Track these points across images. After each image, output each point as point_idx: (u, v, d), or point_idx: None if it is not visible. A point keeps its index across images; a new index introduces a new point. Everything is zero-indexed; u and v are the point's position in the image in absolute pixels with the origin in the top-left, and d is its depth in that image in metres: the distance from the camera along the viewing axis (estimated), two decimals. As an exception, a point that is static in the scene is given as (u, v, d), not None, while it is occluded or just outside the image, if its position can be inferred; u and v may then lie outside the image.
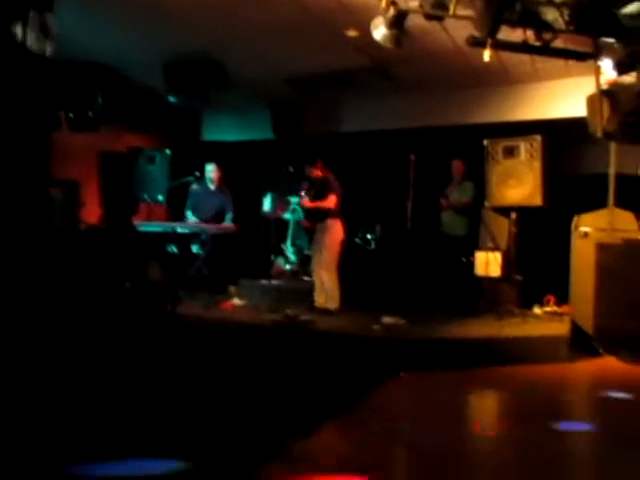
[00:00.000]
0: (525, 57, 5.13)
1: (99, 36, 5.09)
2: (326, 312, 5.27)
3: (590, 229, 5.25)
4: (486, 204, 5.78)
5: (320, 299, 5.42)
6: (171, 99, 5.42)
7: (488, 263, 5.82)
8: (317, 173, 5.51)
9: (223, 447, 2.59)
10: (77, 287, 4.90)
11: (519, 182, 5.47)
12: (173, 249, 6.00)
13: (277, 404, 3.32)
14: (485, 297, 5.94)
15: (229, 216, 6.23)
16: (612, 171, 5.13)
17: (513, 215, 5.58)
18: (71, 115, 5.40)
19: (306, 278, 6.06)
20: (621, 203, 5.11)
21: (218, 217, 6.24)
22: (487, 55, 4.25)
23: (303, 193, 5.55)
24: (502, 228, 5.85)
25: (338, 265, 5.48)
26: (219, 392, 3.56)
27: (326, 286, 5.41)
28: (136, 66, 5.67)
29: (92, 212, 6.25)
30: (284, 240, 6.51)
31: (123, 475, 2.24)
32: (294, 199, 5.89)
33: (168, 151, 6.30)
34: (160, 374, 3.86)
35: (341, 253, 5.54)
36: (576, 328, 5.11)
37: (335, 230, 5.42)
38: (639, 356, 4.54)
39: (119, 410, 2.98)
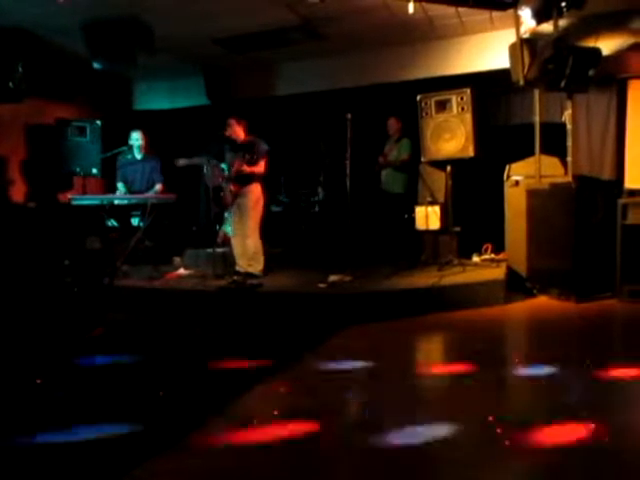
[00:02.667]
0: (451, 10, 5.20)
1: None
2: (250, 276, 5.23)
3: (520, 177, 5.49)
4: (422, 159, 5.91)
5: (242, 263, 5.38)
6: (95, 64, 5.18)
7: (427, 217, 5.98)
8: (239, 134, 5.43)
9: (166, 408, 2.63)
10: (10, 269, 4.75)
11: (452, 135, 5.60)
12: (113, 223, 5.86)
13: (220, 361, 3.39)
14: (426, 250, 6.12)
15: (156, 186, 6.09)
16: (537, 119, 5.35)
17: (448, 168, 5.73)
18: (-11, 86, 5.08)
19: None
20: (549, 149, 5.35)
21: (150, 186, 6.10)
22: (411, 7, 4.33)
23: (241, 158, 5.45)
24: (439, 181, 6.00)
25: (261, 228, 5.46)
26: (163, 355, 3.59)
27: (250, 251, 5.36)
28: (58, 30, 5.35)
29: (21, 189, 5.99)
30: (227, 208, 6.46)
31: (73, 441, 2.23)
32: (225, 165, 5.78)
33: (99, 122, 6.08)
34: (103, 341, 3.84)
35: (263, 216, 5.54)
36: (512, 272, 5.39)
37: (257, 193, 5.42)
38: (567, 294, 4.84)
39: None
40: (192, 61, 6.67)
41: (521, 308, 4.84)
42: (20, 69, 5.03)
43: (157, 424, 2.42)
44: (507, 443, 2.08)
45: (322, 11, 5.10)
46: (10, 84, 4.97)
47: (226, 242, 6.18)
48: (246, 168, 5.33)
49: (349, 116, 5.25)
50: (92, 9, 4.93)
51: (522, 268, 5.35)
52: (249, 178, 5.36)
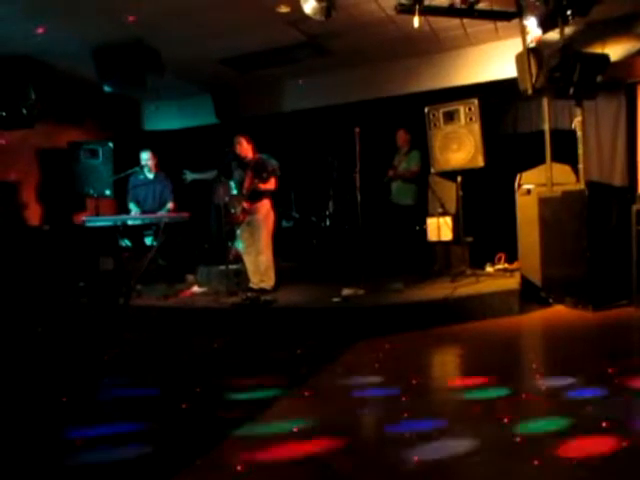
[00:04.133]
0: (455, 22, 5.22)
1: (25, 29, 4.89)
2: (263, 292, 5.27)
3: (532, 185, 5.45)
4: (432, 170, 5.90)
5: (255, 279, 5.43)
6: (106, 88, 5.27)
7: (439, 228, 5.97)
8: (248, 152, 5.48)
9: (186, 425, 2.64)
10: (25, 290, 4.80)
11: (461, 145, 5.61)
12: (126, 242, 5.91)
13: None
14: (438, 261, 6.10)
15: (168, 204, 6.16)
16: (547, 127, 5.32)
17: (459, 178, 5.72)
18: (3, 114, 5.20)
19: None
20: (559, 157, 5.31)
21: (161, 205, 6.17)
22: (416, 21, 4.34)
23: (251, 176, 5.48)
24: (449, 192, 5.99)
25: (272, 243, 5.52)
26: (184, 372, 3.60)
27: (262, 267, 5.42)
28: (67, 57, 5.47)
29: (35, 212, 6.08)
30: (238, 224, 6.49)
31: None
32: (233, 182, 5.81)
33: (110, 144, 6.18)
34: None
35: (274, 231, 5.58)
36: (526, 281, 5.33)
37: (267, 208, 5.48)
38: (583, 302, 4.77)
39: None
40: (200, 81, 6.77)
41: (537, 318, 4.77)
42: (32, 95, 5.13)
43: (176, 441, 2.43)
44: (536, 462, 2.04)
45: (327, 27, 5.14)
46: (23, 110, 5.08)
47: (238, 258, 6.20)
48: (258, 185, 5.36)
49: (357, 130, 5.28)
50: (101, 35, 5.04)
51: (536, 277, 5.30)
52: (260, 195, 5.41)
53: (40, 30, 4.66)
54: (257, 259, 5.43)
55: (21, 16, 4.66)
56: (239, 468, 2.12)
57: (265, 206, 5.47)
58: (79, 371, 3.63)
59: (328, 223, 6.91)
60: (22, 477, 2.15)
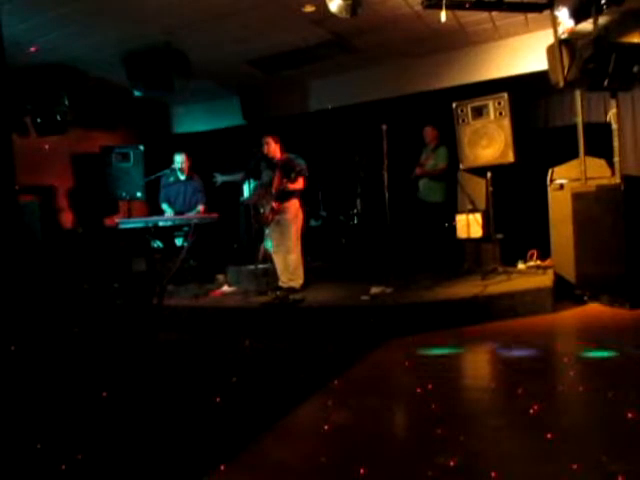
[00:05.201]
0: (484, 15, 5.13)
1: (57, 37, 5.04)
2: (292, 291, 5.29)
3: (565, 180, 5.32)
4: (461, 166, 5.82)
5: (284, 278, 5.46)
6: (136, 92, 5.39)
7: (469, 225, 5.89)
8: (276, 152, 5.50)
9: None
10: (61, 293, 4.94)
11: (490, 141, 5.50)
12: (158, 243, 6.02)
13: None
14: (468, 258, 6.02)
15: (198, 207, 6.24)
16: (580, 120, 5.19)
17: (488, 174, 5.62)
18: (38, 120, 5.36)
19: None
20: (593, 151, 5.17)
21: (192, 206, 6.27)
22: (443, 16, 4.28)
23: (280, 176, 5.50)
24: (479, 189, 5.89)
25: (302, 243, 5.52)
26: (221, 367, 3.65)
27: (291, 266, 5.44)
28: (98, 63, 5.62)
29: (69, 215, 6.26)
30: (267, 224, 6.53)
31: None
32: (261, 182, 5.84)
33: (141, 147, 6.30)
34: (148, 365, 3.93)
35: (303, 230, 5.58)
36: (559, 279, 5.21)
37: (296, 208, 5.49)
38: (619, 300, 4.63)
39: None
40: (227, 83, 6.83)
41: (571, 316, 4.65)
42: (66, 102, 5.28)
43: (221, 431, 2.49)
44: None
45: (353, 25, 5.12)
46: (57, 116, 5.23)
47: (267, 258, 6.24)
48: (287, 185, 5.38)
49: (384, 127, 5.24)
50: (130, 40, 5.14)
51: (570, 274, 5.17)
52: (289, 194, 5.44)
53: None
54: (286, 258, 5.46)
55: (53, 25, 4.79)
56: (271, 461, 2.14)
57: (294, 206, 5.49)
58: (116, 369, 3.71)
59: (356, 222, 6.90)
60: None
